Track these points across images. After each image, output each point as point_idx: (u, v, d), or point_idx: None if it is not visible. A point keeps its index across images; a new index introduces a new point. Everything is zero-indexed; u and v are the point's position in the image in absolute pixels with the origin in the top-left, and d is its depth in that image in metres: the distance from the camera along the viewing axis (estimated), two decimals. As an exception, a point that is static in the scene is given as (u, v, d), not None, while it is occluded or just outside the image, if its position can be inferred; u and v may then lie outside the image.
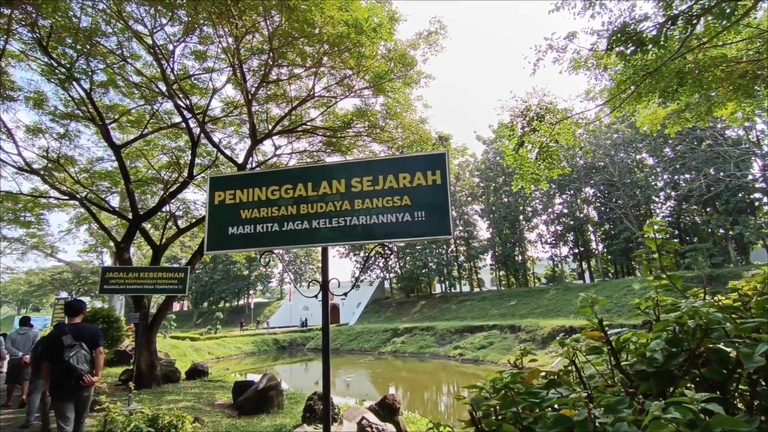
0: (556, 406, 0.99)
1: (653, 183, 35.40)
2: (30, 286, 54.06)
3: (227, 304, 60.59)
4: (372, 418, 4.77)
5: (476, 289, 45.15)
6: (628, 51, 5.55)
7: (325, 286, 2.80)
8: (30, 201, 16.11)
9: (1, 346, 9.97)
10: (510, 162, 8.74)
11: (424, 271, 43.23)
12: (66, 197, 12.62)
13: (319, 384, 19.22)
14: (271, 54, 10.72)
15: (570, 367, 1.23)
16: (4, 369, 9.27)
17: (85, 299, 47.68)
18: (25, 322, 9.26)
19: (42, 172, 12.12)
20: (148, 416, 4.11)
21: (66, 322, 5.45)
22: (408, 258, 44.29)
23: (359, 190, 2.79)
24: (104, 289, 8.12)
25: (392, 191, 2.75)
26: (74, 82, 11.43)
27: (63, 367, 4.58)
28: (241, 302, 60.26)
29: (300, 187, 2.86)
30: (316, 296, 3.05)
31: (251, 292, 60.34)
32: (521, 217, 41.22)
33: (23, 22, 10.45)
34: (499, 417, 1.01)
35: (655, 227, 1.32)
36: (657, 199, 35.87)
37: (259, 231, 2.86)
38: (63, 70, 11.13)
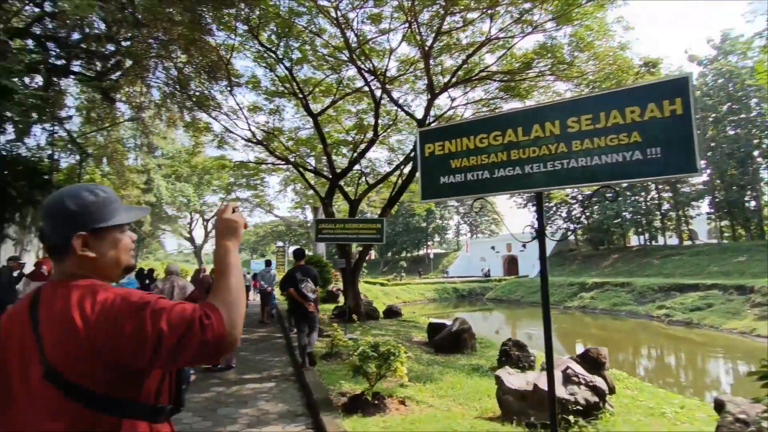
0: None
1: None
2: (257, 236, 67.30)
3: (408, 254, 65.27)
4: (578, 368, 4.63)
5: (687, 242, 38.30)
6: None
7: (540, 232, 2.75)
8: (255, 168, 19.79)
9: (249, 282, 13.13)
10: (763, 80, 6.83)
11: (616, 221, 38.37)
12: (282, 162, 15.14)
13: (500, 333, 19.48)
14: (443, 3, 10.53)
15: None
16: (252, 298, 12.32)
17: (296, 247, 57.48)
18: (268, 264, 12.16)
19: (264, 143, 14.68)
20: (370, 343, 4.83)
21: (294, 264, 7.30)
22: (596, 207, 39.91)
23: (577, 130, 2.58)
24: (319, 237, 9.64)
25: (617, 128, 2.46)
26: (279, 63, 13.35)
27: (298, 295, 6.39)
28: (421, 252, 64.18)
29: (510, 133, 2.80)
30: (523, 246, 3.04)
31: (429, 243, 63.64)
32: (756, 152, 32.45)
33: (238, 18, 12.58)
34: None
35: None
36: None
37: (470, 179, 2.93)
38: (271, 54, 13.09)
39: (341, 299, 16.09)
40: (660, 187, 36.98)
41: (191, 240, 48.99)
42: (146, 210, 1.41)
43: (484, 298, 36.38)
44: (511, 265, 49.92)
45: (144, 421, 1.09)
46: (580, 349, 16.20)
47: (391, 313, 14.20)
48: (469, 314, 28.98)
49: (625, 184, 34.23)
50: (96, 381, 1.02)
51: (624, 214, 38.15)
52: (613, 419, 4.50)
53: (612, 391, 5.13)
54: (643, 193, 37.76)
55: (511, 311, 29.40)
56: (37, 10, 14.79)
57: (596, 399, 4.50)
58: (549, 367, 2.70)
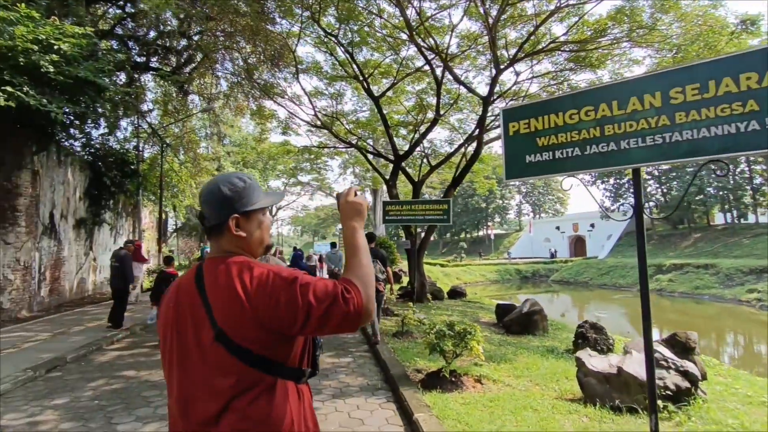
0: None
1: None
2: (318, 219, 69.38)
3: (467, 235, 64.45)
4: (666, 352, 4.42)
5: (783, 220, 34.47)
6: None
7: (639, 209, 2.63)
8: (317, 152, 20.29)
9: (315, 263, 13.55)
10: None
11: (698, 197, 35.26)
12: (345, 145, 15.40)
13: (566, 316, 18.81)
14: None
15: None
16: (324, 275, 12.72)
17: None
18: (334, 245, 12.38)
19: (328, 127, 14.99)
20: (446, 322, 4.91)
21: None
22: (675, 183, 36.87)
23: (681, 102, 2.40)
24: (386, 219, 9.80)
25: (729, 97, 2.26)
26: (339, 47, 13.48)
27: None
28: (480, 233, 63.11)
29: (603, 107, 2.67)
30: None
31: (489, 223, 62.32)
32: None
33: (300, 4, 12.80)
34: None
35: None
36: None
37: (558, 157, 2.85)
38: (331, 37, 13.23)
39: (404, 280, 16.33)
40: (752, 159, 33.41)
41: (258, 223, 51.55)
42: (282, 194, 1.55)
43: (549, 279, 35.21)
44: (577, 245, 47.75)
45: (291, 381, 1.24)
46: (656, 335, 15.31)
47: (456, 293, 14.22)
48: (533, 296, 28.20)
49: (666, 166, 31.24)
50: (257, 343, 1.17)
51: (708, 189, 34.92)
52: (707, 406, 4.27)
53: (703, 377, 4.85)
54: (731, 166, 34.28)
55: (578, 293, 28.29)
56: (118, 11, 16.01)
57: (687, 384, 4.28)
58: (648, 351, 2.61)
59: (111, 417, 4.35)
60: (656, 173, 38.23)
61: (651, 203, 41.11)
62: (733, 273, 22.58)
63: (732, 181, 34.87)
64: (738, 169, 34.85)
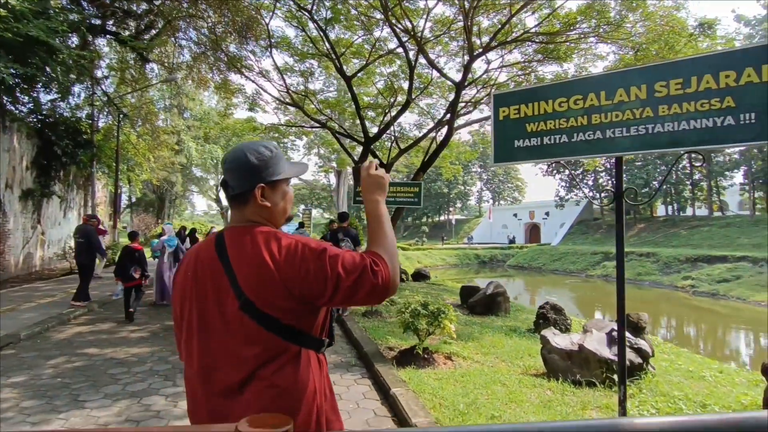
0: None
1: None
2: (281, 199, 67.86)
3: (429, 220, 65.39)
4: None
5: (716, 213, 37.34)
6: None
7: (619, 196, 2.81)
8: (284, 130, 19.79)
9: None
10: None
11: (644, 190, 37.49)
12: (316, 125, 15.13)
13: (518, 299, 19.64)
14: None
15: None
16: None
17: (317, 210, 58.62)
18: (302, 225, 12.29)
19: (299, 105, 14.65)
20: (420, 301, 5.04)
21: (335, 226, 7.57)
22: (625, 176, 38.78)
23: (664, 95, 2.57)
24: (357, 200, 9.77)
25: (709, 93, 2.44)
26: (311, 22, 13.09)
27: None
28: (442, 218, 64.22)
29: (591, 97, 2.80)
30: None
31: (451, 209, 63.48)
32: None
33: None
34: None
35: None
36: None
37: (546, 143, 2.97)
38: (304, 12, 12.83)
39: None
40: (693, 155, 35.68)
41: (218, 201, 49.99)
42: (306, 166, 1.51)
43: (506, 264, 36.53)
44: (533, 232, 49.75)
45: (313, 350, 1.26)
46: (599, 316, 16.29)
47: (420, 276, 14.51)
48: (491, 280, 29.18)
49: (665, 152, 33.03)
50: (285, 313, 1.17)
51: (653, 183, 37.18)
52: (656, 380, 4.67)
53: (652, 354, 5.27)
54: (672, 163, 36.57)
55: (532, 278, 29.58)
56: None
57: (640, 361, 4.66)
58: (621, 331, 2.83)
59: (77, 395, 4.20)
60: (608, 166, 40.10)
61: (602, 194, 43.25)
62: (672, 261, 24.31)
63: (674, 177, 37.20)
64: (680, 165, 37.18)
